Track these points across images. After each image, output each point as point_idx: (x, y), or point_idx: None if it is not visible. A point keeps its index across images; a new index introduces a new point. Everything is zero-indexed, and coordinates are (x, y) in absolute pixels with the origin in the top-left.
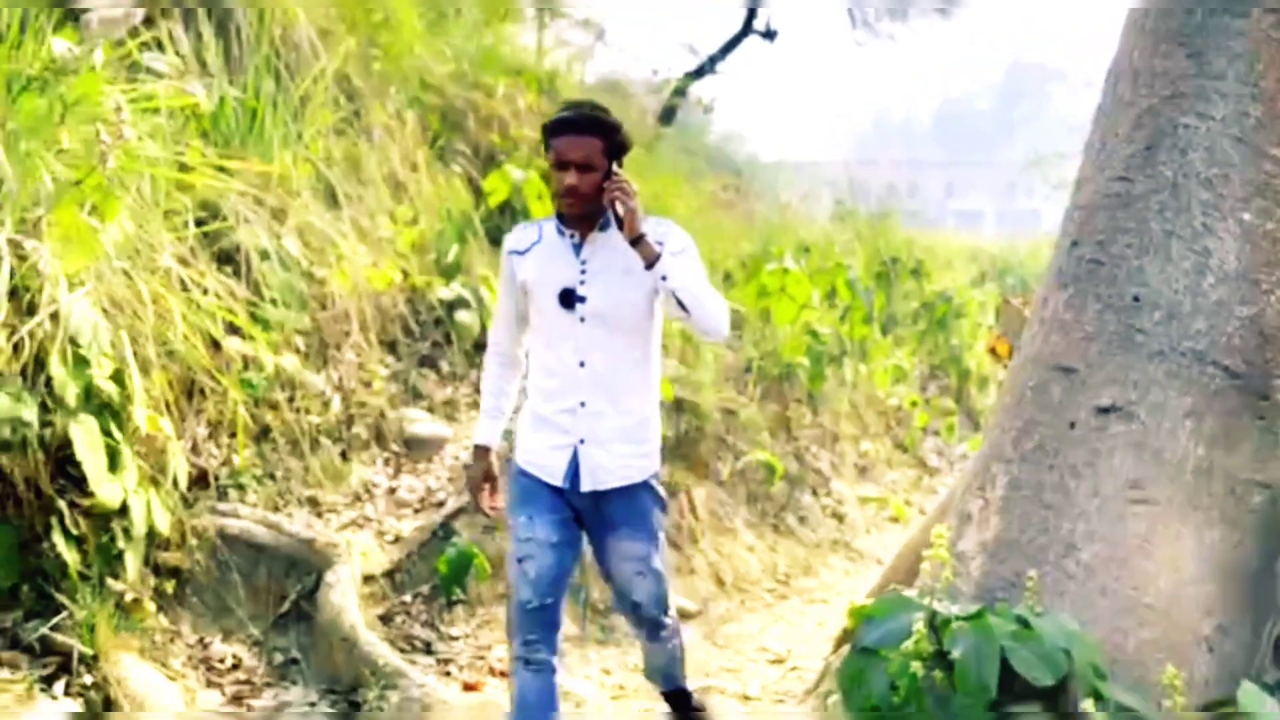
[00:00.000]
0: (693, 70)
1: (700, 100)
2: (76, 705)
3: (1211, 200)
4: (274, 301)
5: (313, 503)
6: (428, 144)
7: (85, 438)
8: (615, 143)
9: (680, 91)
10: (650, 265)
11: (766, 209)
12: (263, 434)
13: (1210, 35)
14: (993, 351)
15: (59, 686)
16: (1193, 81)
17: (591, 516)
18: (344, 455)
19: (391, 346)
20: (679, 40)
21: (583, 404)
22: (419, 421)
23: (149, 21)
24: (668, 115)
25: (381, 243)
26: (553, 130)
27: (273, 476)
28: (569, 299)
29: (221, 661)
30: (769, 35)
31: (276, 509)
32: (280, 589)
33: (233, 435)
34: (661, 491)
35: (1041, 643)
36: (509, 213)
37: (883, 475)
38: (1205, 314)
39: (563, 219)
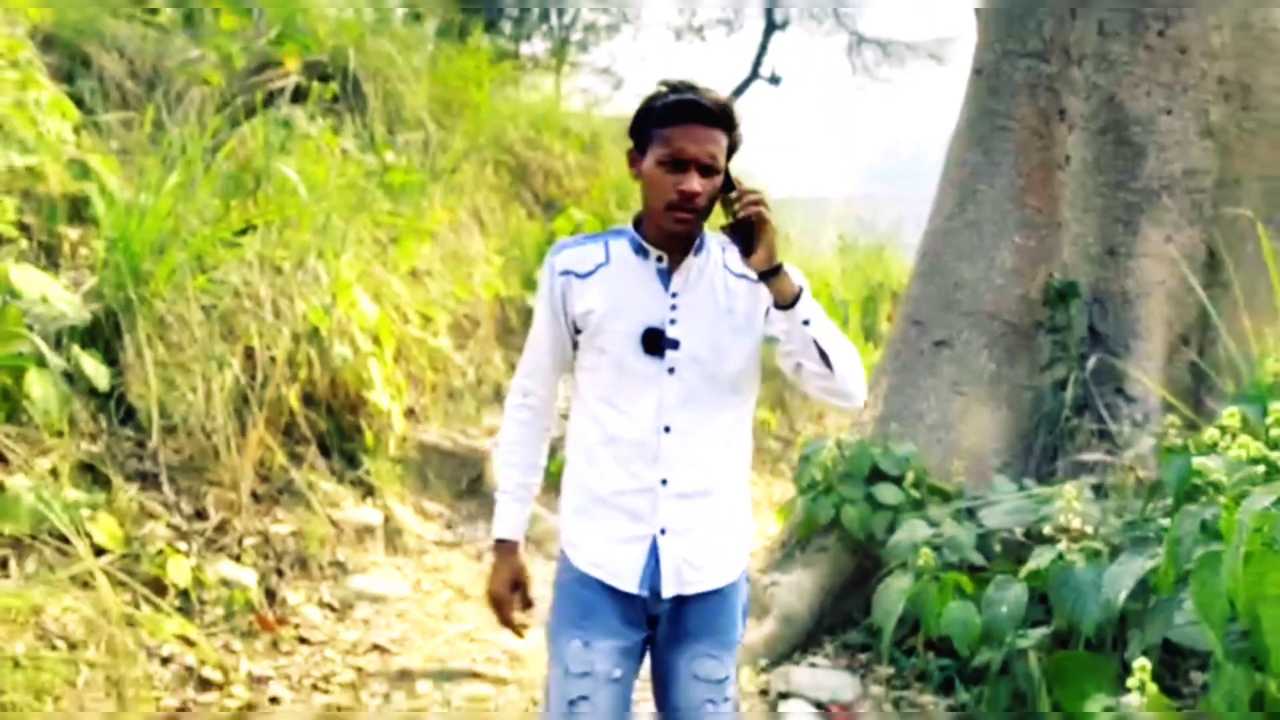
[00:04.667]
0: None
1: None
2: (380, 512)
3: (995, 230)
4: (431, 305)
5: (465, 434)
6: (502, 192)
7: (375, 368)
8: (734, 144)
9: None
10: (790, 305)
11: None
12: (431, 389)
13: (994, 140)
14: (889, 319)
15: (368, 500)
16: (985, 167)
17: (665, 626)
18: (477, 409)
19: (499, 338)
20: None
21: (664, 482)
22: None
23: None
24: None
25: (483, 265)
26: (667, 115)
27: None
28: (655, 342)
29: (430, 513)
30: (774, 80)
31: None
32: (459, 476)
33: (417, 385)
34: (749, 591)
35: (894, 455)
36: None
37: None
38: (994, 292)
39: (645, 237)
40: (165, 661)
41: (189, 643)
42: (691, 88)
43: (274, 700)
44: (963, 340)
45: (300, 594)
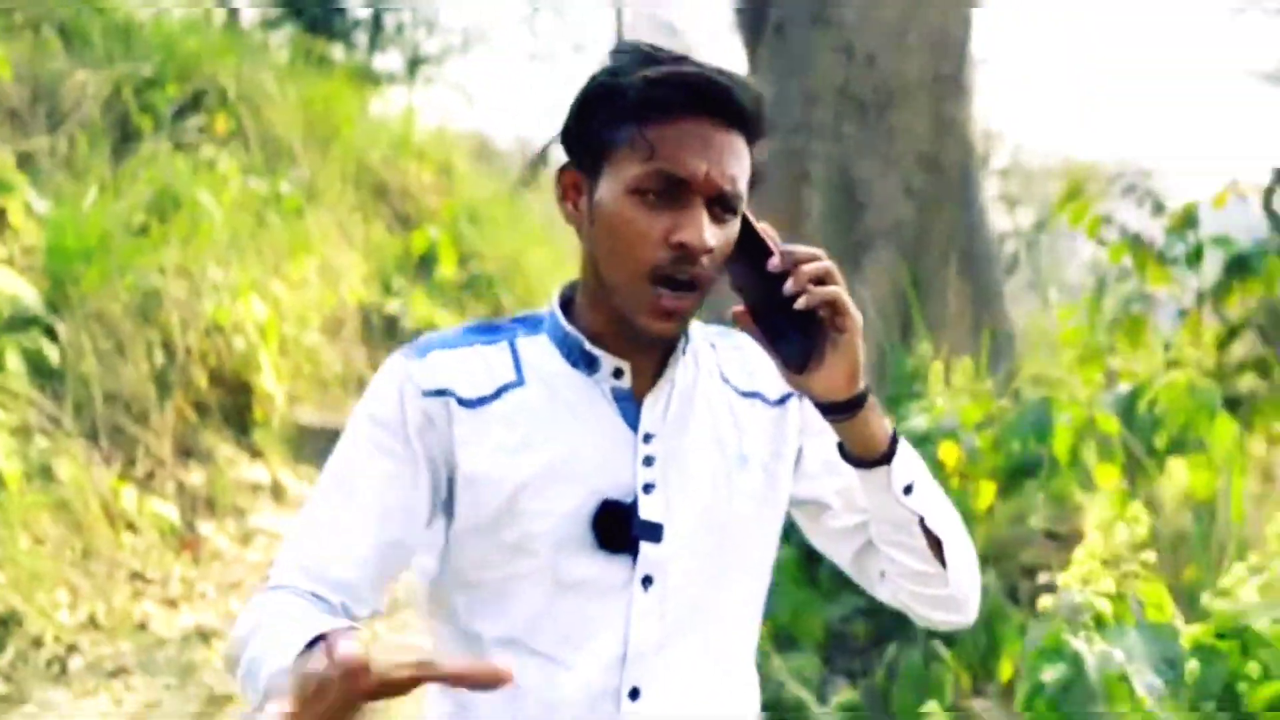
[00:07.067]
0: (557, 133)
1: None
2: (267, 472)
3: None
4: (307, 308)
5: (334, 415)
6: (363, 208)
7: (264, 359)
8: (758, 168)
9: (544, 153)
10: (880, 459)
11: None
12: (306, 378)
13: (752, 194)
14: None
15: (258, 463)
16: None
17: None
18: (343, 396)
19: (362, 337)
20: (542, 104)
21: None
22: None
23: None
24: (531, 174)
25: (348, 275)
26: (653, 101)
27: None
28: (619, 529)
29: (305, 477)
30: None
31: None
32: (328, 449)
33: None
34: None
35: None
36: (428, 262)
37: None
38: None
39: (588, 332)
40: (118, 565)
41: (134, 552)
42: (683, 58)
43: (201, 595)
44: None
45: (211, 527)
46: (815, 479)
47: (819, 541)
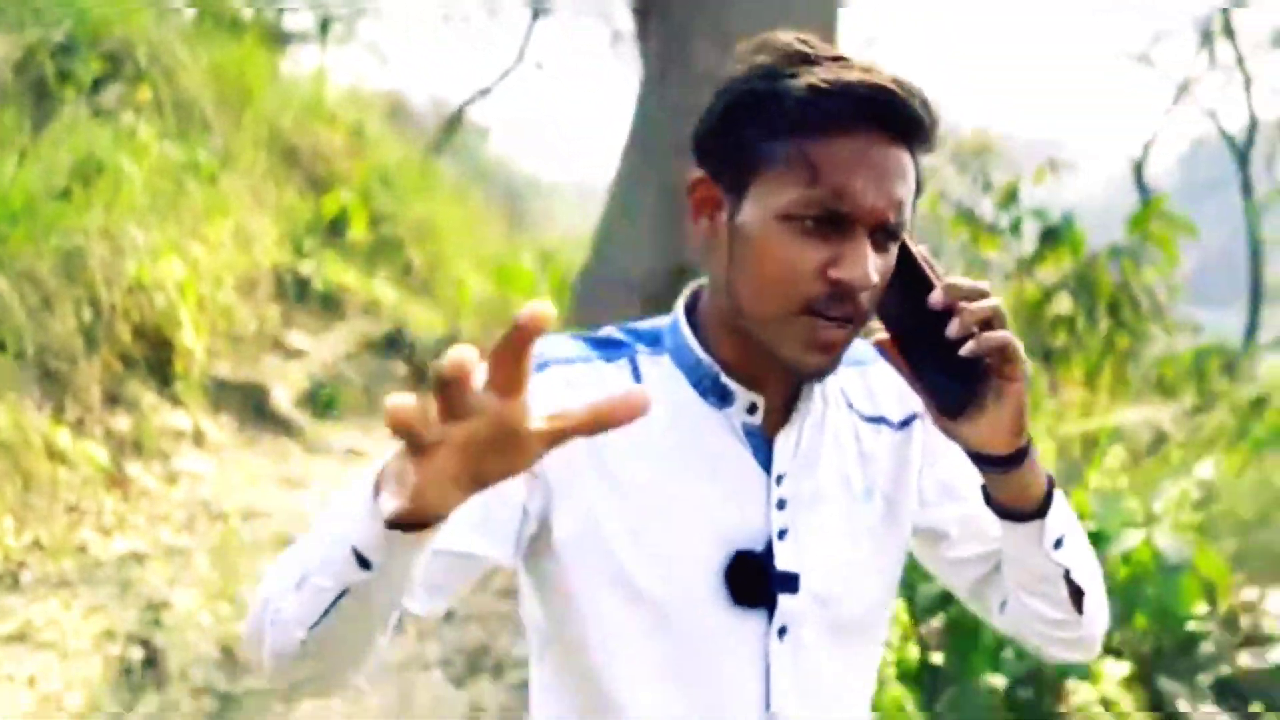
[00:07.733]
0: (471, 96)
1: (478, 124)
2: (189, 420)
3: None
4: (223, 268)
5: (247, 370)
6: (275, 172)
7: (184, 315)
8: (920, 179)
9: (459, 115)
10: (1033, 513)
11: (537, 225)
12: (222, 335)
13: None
14: None
15: (179, 411)
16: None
17: None
18: (256, 352)
19: (274, 298)
20: (457, 67)
21: None
22: (296, 334)
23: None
24: (445, 137)
25: (261, 238)
26: (818, 113)
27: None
28: (755, 582)
29: (223, 426)
30: (539, 66)
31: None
32: (244, 401)
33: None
34: None
35: None
36: (340, 224)
37: None
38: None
39: (722, 360)
40: (56, 499)
41: (70, 486)
42: (843, 58)
43: (133, 526)
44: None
45: (138, 468)
46: (933, 506)
47: (934, 568)
